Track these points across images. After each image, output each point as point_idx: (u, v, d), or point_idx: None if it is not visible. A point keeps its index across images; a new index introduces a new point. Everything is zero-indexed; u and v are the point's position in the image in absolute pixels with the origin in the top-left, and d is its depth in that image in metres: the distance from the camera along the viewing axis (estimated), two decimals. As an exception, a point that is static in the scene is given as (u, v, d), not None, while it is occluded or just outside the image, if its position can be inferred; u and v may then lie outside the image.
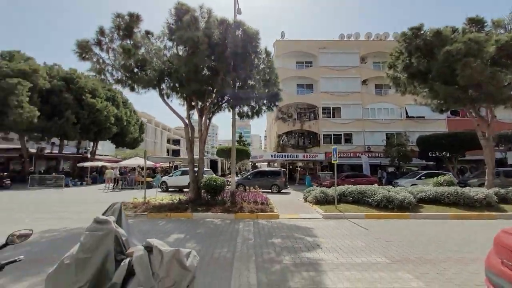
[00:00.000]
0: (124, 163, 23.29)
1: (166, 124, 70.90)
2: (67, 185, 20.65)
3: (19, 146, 24.09)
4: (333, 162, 10.27)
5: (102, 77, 10.19)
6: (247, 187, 14.47)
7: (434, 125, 28.79)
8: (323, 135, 29.71)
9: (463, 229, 7.44)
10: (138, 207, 9.36)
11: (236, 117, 11.85)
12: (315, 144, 29.86)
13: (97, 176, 25.29)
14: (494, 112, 14.19)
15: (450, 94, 11.80)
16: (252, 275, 4.15)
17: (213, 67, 9.29)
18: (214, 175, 14.28)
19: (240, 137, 44.85)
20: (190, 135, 10.93)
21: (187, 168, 19.16)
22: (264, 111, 12.01)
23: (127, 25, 9.92)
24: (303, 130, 30.12)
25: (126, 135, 30.42)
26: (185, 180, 17.45)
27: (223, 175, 29.00)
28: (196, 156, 11.38)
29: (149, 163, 24.50)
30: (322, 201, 10.49)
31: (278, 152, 28.52)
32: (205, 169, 16.25)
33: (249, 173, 21.41)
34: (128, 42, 10.10)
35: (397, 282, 3.93)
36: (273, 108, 12.59)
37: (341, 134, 29.84)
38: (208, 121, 11.21)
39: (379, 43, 31.52)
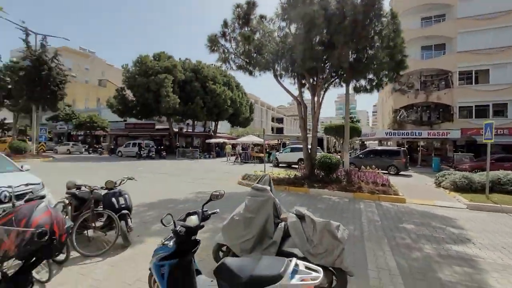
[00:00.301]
0: (241, 140, 26.55)
1: (270, 103, 74.94)
2: (199, 158, 25.67)
3: (167, 127, 31.47)
4: (484, 141, 8.13)
5: (227, 65, 11.62)
6: (357, 167, 13.62)
7: None
8: (459, 107, 23.65)
9: None
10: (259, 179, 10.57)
11: (352, 92, 11.07)
12: (445, 119, 24.29)
13: (220, 150, 30.04)
14: None
15: None
16: (390, 257, 4.00)
17: (329, 41, 8.85)
18: (323, 153, 14.20)
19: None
20: (303, 113, 11.11)
21: (296, 146, 19.96)
22: (386, 83, 10.62)
23: (245, 13, 10.74)
24: (429, 102, 24.94)
25: (239, 115, 34.20)
26: (294, 156, 18.24)
27: (329, 153, 28.32)
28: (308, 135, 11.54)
29: (261, 140, 26.89)
30: (465, 188, 8.62)
31: (394, 129, 25.04)
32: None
33: (360, 151, 20.00)
34: (246, 29, 10.99)
35: None
36: (395, 79, 10.98)
37: (488, 105, 22.88)
38: (321, 98, 11.01)
39: None
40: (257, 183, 3.71)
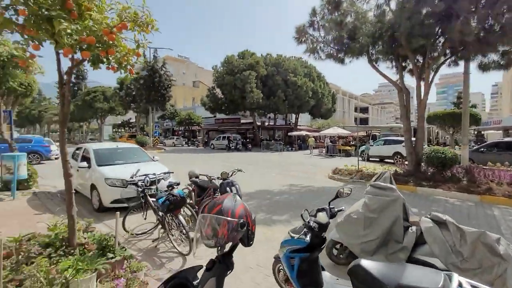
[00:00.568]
0: (325, 132, 25.63)
1: (352, 92, 69.25)
2: (282, 150, 26.16)
3: (251, 121, 33.31)
4: None
5: (315, 55, 11.22)
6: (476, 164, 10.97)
7: None
8: None
9: None
10: (352, 174, 9.91)
11: (473, 71, 8.93)
12: None
13: (302, 143, 29.83)
14: None
15: None
16: None
17: (445, 11, 7.32)
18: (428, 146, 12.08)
19: (459, 97, 33.74)
20: (405, 101, 9.71)
21: (390, 138, 17.78)
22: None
23: (335, -4, 10.03)
24: None
25: (321, 106, 32.95)
26: (388, 150, 16.29)
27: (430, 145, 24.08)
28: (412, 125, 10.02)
29: (347, 132, 25.25)
30: None
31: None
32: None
33: (481, 144, 16.15)
34: (336, 14, 10.27)
35: None
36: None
37: None
38: (430, 81, 9.33)
39: None
40: (376, 180, 3.41)
